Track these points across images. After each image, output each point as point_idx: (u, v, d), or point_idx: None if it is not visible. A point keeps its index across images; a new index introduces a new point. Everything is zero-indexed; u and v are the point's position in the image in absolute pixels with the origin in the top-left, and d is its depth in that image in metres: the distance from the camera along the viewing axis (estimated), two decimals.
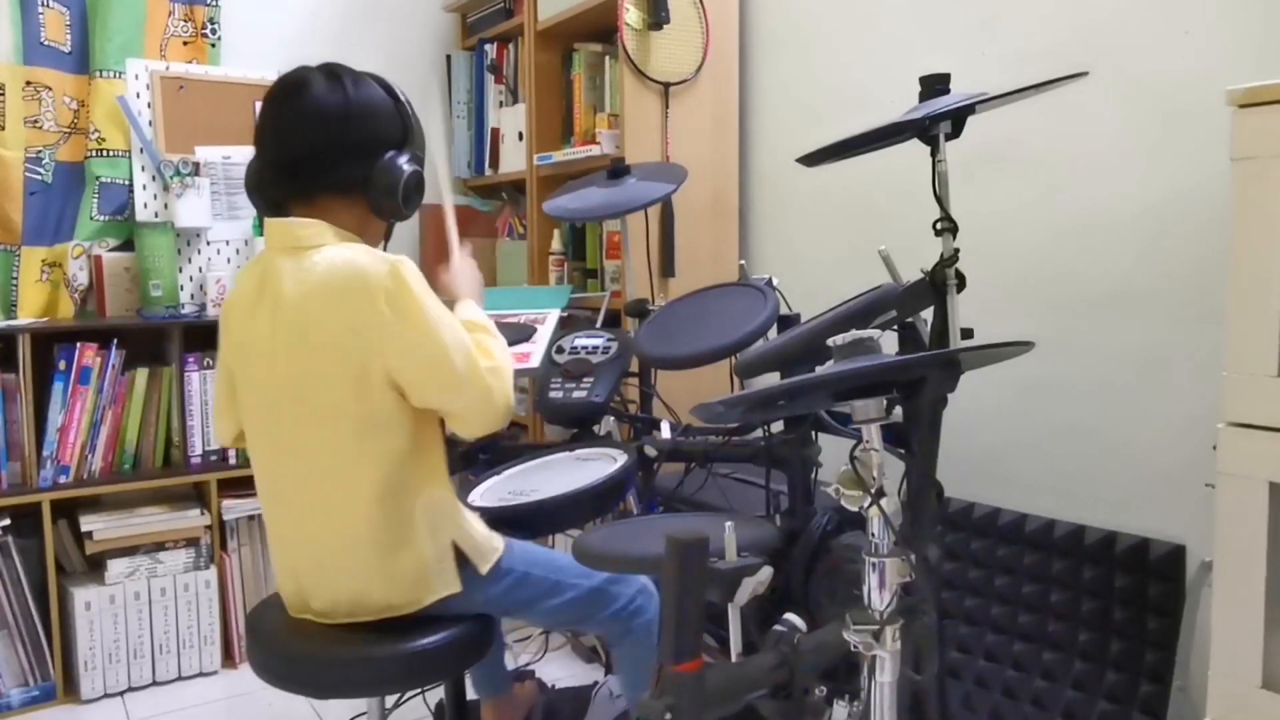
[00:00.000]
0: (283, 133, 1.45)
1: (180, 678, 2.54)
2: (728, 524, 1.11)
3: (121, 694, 2.47)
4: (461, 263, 1.74)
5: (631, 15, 2.42)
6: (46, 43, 2.57)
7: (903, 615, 1.06)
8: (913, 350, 1.47)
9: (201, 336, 2.62)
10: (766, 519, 1.66)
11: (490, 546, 1.51)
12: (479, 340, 1.46)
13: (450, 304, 1.56)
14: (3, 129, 2.50)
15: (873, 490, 1.04)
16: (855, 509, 1.06)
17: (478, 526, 1.51)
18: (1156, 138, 1.72)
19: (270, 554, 1.59)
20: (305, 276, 1.38)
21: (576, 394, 1.89)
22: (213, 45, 2.81)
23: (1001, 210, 1.98)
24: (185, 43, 2.78)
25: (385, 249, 1.52)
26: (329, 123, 1.43)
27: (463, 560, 1.48)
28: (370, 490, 1.40)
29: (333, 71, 1.46)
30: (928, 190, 1.38)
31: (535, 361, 2.30)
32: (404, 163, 1.47)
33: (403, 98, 1.52)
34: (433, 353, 1.37)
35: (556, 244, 2.78)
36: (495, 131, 3.11)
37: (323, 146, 1.43)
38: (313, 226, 1.43)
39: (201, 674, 2.57)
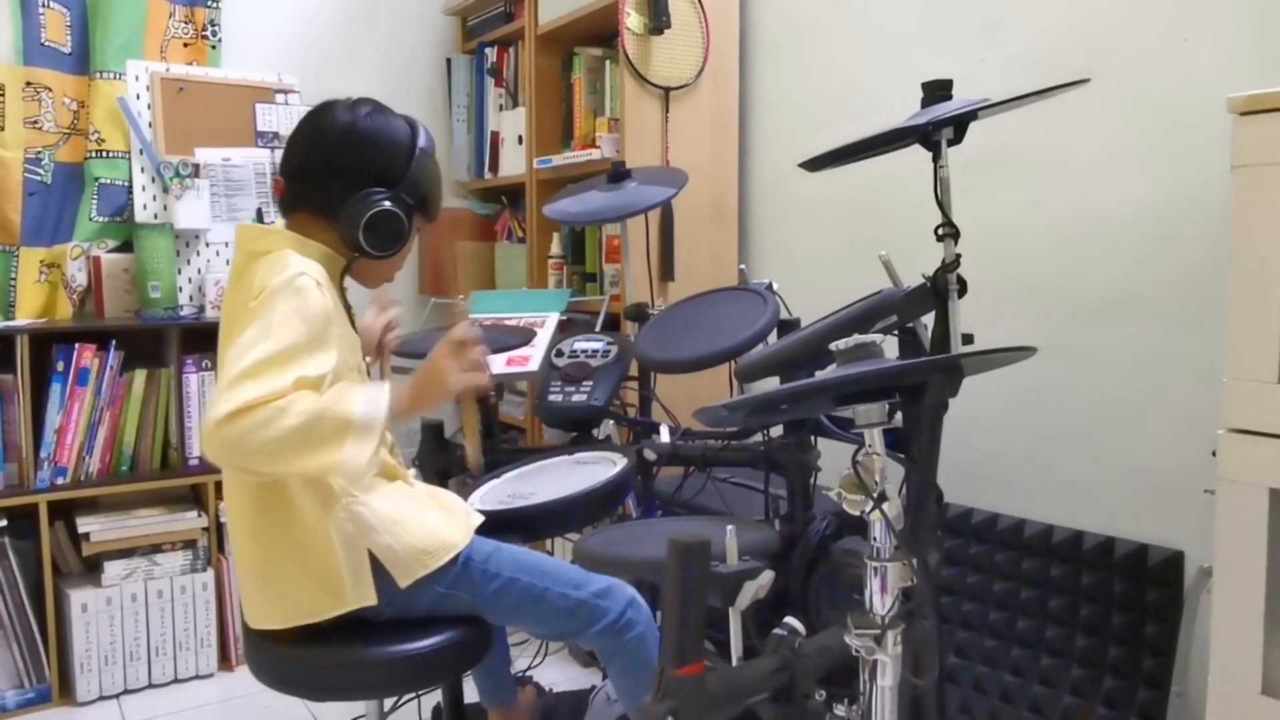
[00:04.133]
0: (288, 144, 1.51)
1: (177, 680, 2.53)
2: (729, 528, 1.11)
3: (117, 696, 2.46)
4: (443, 357, 1.44)
5: (632, 20, 2.42)
6: (47, 43, 2.57)
7: (903, 619, 1.06)
8: (913, 355, 1.47)
9: (200, 338, 2.62)
10: (766, 523, 1.66)
11: (418, 562, 1.44)
12: (294, 395, 1.24)
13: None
14: (2, 129, 2.50)
15: (875, 495, 1.04)
16: (857, 513, 1.06)
17: (410, 538, 1.45)
18: (1156, 144, 1.73)
19: None
20: (244, 280, 1.40)
21: (576, 397, 1.89)
22: (213, 47, 2.82)
23: (1002, 216, 1.98)
24: (186, 44, 2.78)
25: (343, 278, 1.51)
26: (320, 144, 1.46)
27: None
28: (264, 494, 1.40)
29: (358, 101, 1.48)
30: (928, 195, 1.38)
31: (534, 365, 2.30)
32: (380, 200, 1.43)
33: (424, 147, 1.48)
34: (229, 353, 1.27)
35: (556, 247, 2.78)
36: (495, 135, 3.11)
37: (310, 165, 1.47)
38: (271, 235, 1.46)
39: (198, 676, 2.56)
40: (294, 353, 1.26)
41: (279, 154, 1.82)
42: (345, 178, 1.44)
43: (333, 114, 1.47)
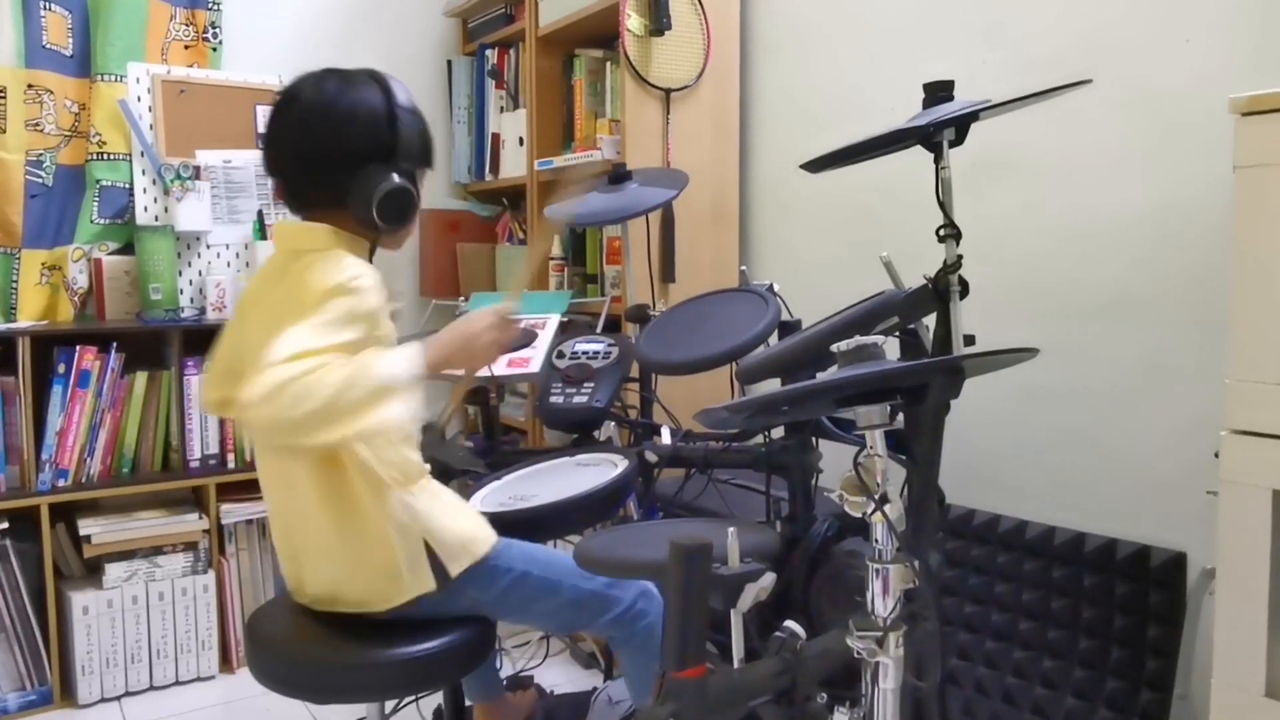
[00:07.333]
0: (270, 144, 1.47)
1: (178, 682, 2.53)
2: (731, 530, 1.11)
3: (119, 698, 2.46)
4: (481, 318, 1.46)
5: (633, 21, 2.42)
6: (48, 46, 2.57)
7: (906, 621, 1.05)
8: (914, 357, 1.47)
9: (201, 340, 2.61)
10: (767, 525, 1.66)
11: (465, 550, 1.46)
12: (322, 372, 1.21)
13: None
14: (4, 132, 2.50)
15: (876, 496, 1.04)
16: (859, 515, 1.06)
17: (455, 528, 1.47)
18: (1157, 145, 1.73)
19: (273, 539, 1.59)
20: (291, 279, 1.39)
21: (577, 399, 1.89)
22: (214, 49, 2.82)
23: (1003, 217, 1.98)
24: (187, 46, 2.78)
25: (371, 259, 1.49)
26: (302, 142, 1.43)
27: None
28: (328, 485, 1.40)
29: (323, 79, 1.44)
30: (929, 196, 1.38)
31: (535, 366, 2.29)
32: (382, 176, 1.41)
33: (402, 104, 1.46)
34: (273, 342, 1.23)
35: (557, 249, 2.78)
36: (496, 136, 3.11)
37: (303, 161, 1.44)
38: (314, 232, 1.44)
39: (199, 679, 2.56)
40: (337, 350, 1.26)
41: None
42: (342, 164, 1.41)
43: (303, 102, 1.43)
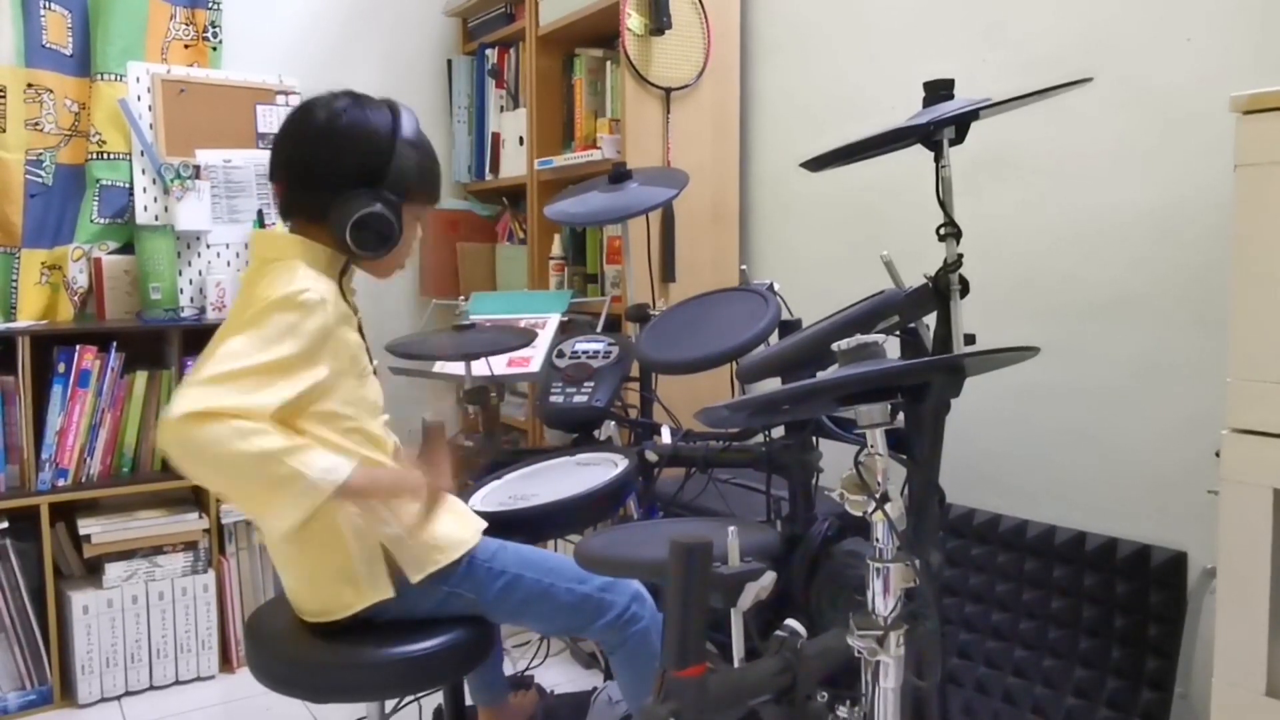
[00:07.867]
0: (272, 149, 1.49)
1: (178, 682, 2.53)
2: (731, 529, 1.11)
3: (119, 698, 2.46)
4: (418, 479, 1.42)
5: (633, 21, 2.42)
6: (48, 45, 2.57)
7: (906, 620, 1.05)
8: (914, 356, 1.47)
9: (201, 340, 2.60)
10: (768, 524, 1.66)
11: (429, 557, 1.46)
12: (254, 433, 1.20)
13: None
14: (4, 131, 2.50)
15: (877, 495, 1.04)
16: (859, 514, 1.06)
17: (421, 533, 1.45)
18: (1157, 144, 1.73)
19: None
20: (252, 286, 1.40)
21: (577, 399, 1.89)
22: (214, 49, 2.82)
23: (1002, 215, 1.98)
24: (187, 46, 2.78)
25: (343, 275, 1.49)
26: (299, 150, 1.45)
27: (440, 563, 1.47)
28: None
29: (337, 96, 1.46)
30: (929, 195, 1.38)
31: (535, 366, 2.30)
32: (364, 201, 1.41)
33: (406, 135, 1.44)
34: (215, 353, 1.26)
35: (557, 249, 2.78)
36: (496, 136, 3.11)
37: (293, 171, 1.46)
38: (281, 241, 1.46)
39: (199, 678, 2.56)
40: (281, 368, 1.27)
41: None
42: (327, 181, 1.42)
43: (311, 116, 1.44)
